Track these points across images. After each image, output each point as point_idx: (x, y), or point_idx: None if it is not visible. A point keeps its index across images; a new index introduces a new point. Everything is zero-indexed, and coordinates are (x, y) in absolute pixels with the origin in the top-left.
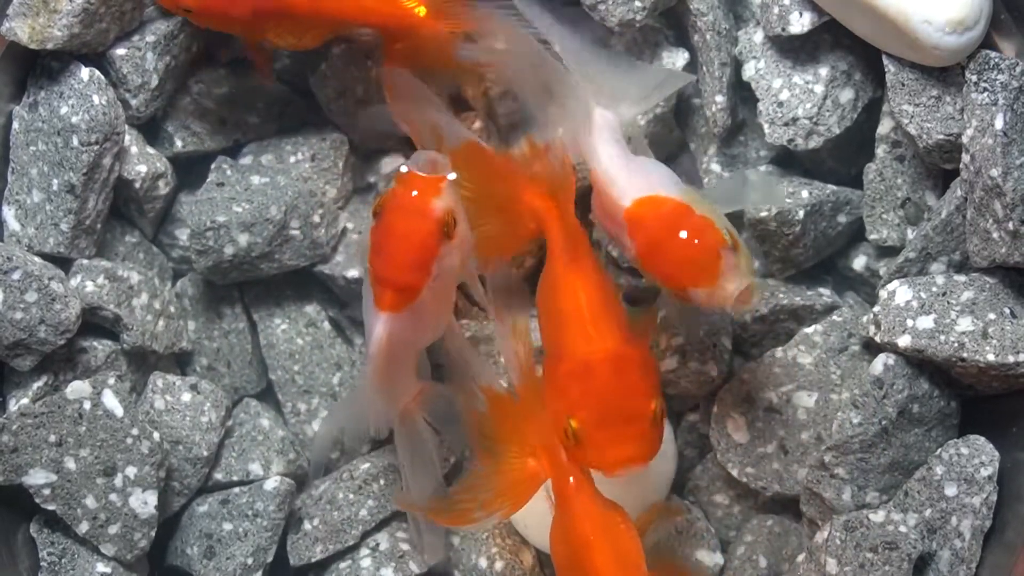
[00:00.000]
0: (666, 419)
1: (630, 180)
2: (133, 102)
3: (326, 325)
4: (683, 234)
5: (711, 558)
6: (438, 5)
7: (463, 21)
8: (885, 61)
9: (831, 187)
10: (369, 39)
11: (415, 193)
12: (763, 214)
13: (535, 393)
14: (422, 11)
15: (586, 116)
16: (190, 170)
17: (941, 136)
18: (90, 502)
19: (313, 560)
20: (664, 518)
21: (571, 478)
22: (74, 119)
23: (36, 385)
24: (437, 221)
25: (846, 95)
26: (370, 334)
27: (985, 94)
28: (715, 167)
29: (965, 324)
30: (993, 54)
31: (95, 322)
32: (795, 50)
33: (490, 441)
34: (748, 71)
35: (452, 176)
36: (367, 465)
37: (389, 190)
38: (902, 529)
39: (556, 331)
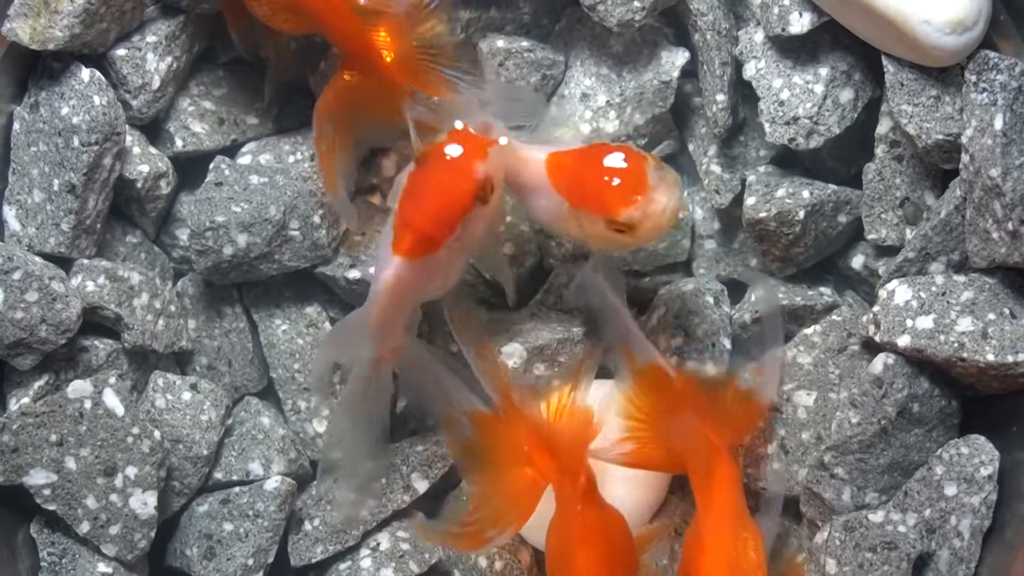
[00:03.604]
0: None
1: (543, 147)
2: (134, 103)
3: (327, 325)
4: (608, 159)
5: None
6: (406, 59)
7: (423, 83)
8: (884, 61)
9: (832, 187)
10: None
11: (462, 150)
12: (762, 214)
13: (515, 404)
14: (389, 56)
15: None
16: (191, 170)
17: (940, 136)
18: (91, 502)
19: (314, 560)
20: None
21: (580, 479)
22: (75, 120)
23: (37, 384)
24: (476, 182)
25: (846, 95)
26: (379, 273)
27: (984, 94)
28: (715, 168)
29: (965, 324)
30: (992, 54)
31: (96, 321)
32: (795, 50)
33: (481, 462)
34: (749, 71)
35: (504, 142)
36: (368, 465)
37: (438, 142)
38: (901, 529)
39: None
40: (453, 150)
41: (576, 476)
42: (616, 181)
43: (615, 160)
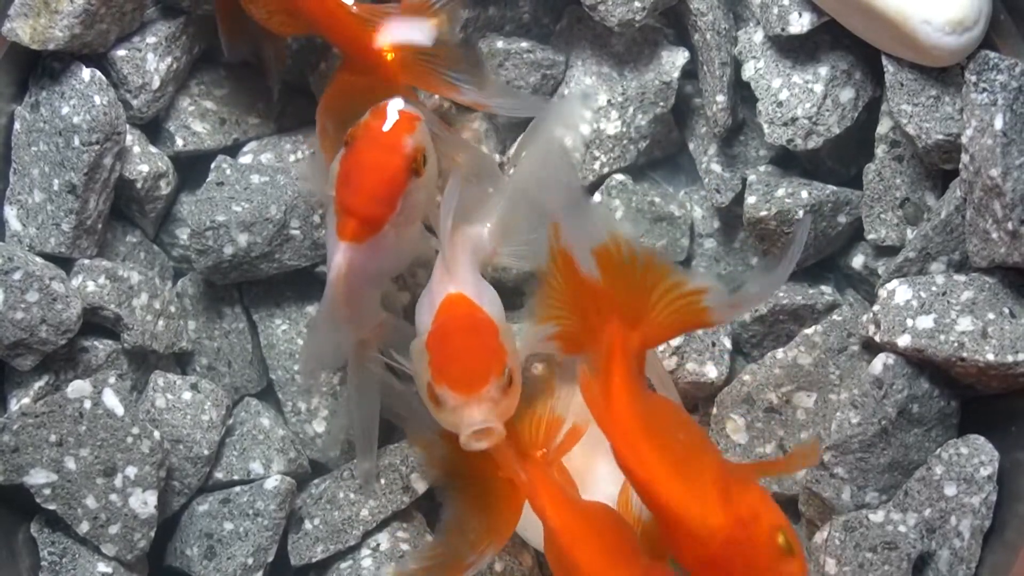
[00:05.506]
0: None
1: (464, 276)
2: (134, 103)
3: None
4: (469, 340)
5: None
6: (408, 59)
7: (425, 83)
8: (884, 61)
9: (831, 187)
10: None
11: (388, 127)
12: (763, 213)
13: None
14: (390, 55)
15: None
16: (191, 169)
17: (940, 136)
18: (90, 502)
19: (314, 560)
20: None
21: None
22: (75, 119)
23: (37, 385)
24: (406, 156)
25: (846, 95)
26: (330, 262)
27: (985, 94)
28: (715, 167)
29: (965, 324)
30: (993, 54)
31: (96, 322)
32: (795, 50)
33: (460, 478)
34: (748, 71)
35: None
36: (367, 465)
37: (363, 121)
38: (901, 529)
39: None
40: (378, 127)
41: (532, 482)
42: (460, 363)
43: (473, 351)
